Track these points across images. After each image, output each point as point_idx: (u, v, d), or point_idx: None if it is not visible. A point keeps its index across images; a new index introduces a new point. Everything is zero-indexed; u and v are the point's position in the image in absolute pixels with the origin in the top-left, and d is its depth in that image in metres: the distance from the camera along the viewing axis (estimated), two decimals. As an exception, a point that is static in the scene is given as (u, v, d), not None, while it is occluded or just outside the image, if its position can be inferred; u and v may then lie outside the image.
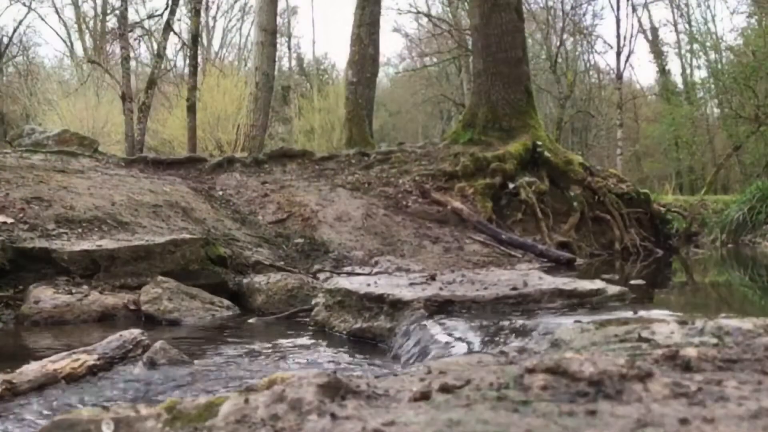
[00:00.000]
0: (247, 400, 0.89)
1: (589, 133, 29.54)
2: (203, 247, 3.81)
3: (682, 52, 26.99)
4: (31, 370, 1.76)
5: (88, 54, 23.09)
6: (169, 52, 22.75)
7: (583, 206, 7.35)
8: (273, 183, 6.51)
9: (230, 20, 33.38)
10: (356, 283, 2.82)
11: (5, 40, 24.84)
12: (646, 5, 26.24)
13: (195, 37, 12.40)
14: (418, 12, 26.87)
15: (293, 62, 32.03)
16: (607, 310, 2.23)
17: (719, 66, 21.95)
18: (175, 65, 21.98)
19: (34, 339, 2.79)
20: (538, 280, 2.69)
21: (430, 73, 28.30)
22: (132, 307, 3.26)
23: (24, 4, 24.26)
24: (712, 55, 23.08)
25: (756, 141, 19.28)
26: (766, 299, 4.40)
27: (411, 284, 2.75)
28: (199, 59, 16.58)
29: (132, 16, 18.49)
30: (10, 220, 3.93)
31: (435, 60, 26.78)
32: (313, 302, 3.02)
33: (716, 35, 23.73)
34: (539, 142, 7.71)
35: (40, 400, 1.65)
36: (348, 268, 4.40)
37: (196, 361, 2.14)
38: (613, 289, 2.52)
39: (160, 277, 3.41)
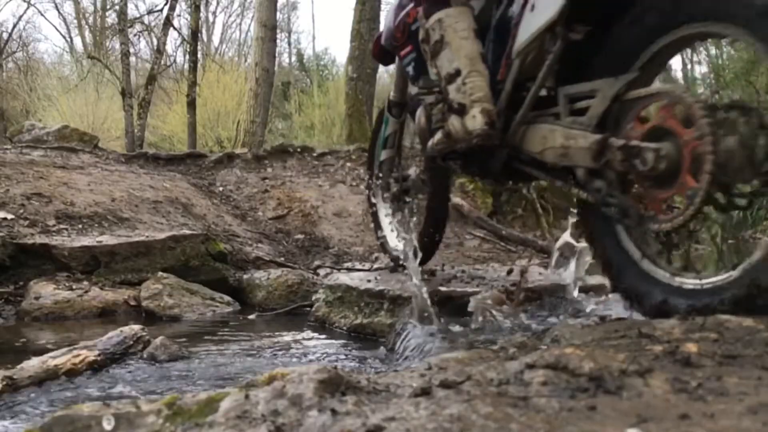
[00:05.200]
0: (247, 396, 0.89)
1: (589, 128, 29.53)
2: (203, 243, 3.81)
3: (683, 47, 26.91)
4: (31, 365, 1.77)
5: (87, 50, 23.07)
6: (169, 47, 22.71)
7: (584, 202, 7.34)
8: (273, 179, 6.50)
9: (230, 16, 33.34)
10: (356, 279, 2.82)
11: (5, 35, 24.81)
12: None
13: (195, 33, 12.38)
14: (419, 7, 26.82)
15: (293, 58, 31.95)
16: (608, 306, 2.23)
17: (720, 61, 21.90)
18: (175, 61, 21.88)
19: (35, 335, 2.79)
20: (539, 275, 2.68)
21: (431, 69, 28.22)
22: (132, 303, 3.27)
23: (24, 0, 24.23)
24: (713, 50, 23.03)
25: (756, 136, 19.27)
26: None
27: (411, 280, 2.75)
28: (199, 55, 16.56)
29: (132, 12, 18.45)
30: (10, 216, 3.93)
31: (435, 55, 26.72)
32: (314, 298, 3.02)
33: (717, 30, 23.58)
34: (539, 138, 7.68)
35: (41, 396, 1.65)
36: (348, 264, 4.39)
37: (196, 357, 2.14)
38: (613, 285, 2.51)
39: (160, 273, 3.41)
